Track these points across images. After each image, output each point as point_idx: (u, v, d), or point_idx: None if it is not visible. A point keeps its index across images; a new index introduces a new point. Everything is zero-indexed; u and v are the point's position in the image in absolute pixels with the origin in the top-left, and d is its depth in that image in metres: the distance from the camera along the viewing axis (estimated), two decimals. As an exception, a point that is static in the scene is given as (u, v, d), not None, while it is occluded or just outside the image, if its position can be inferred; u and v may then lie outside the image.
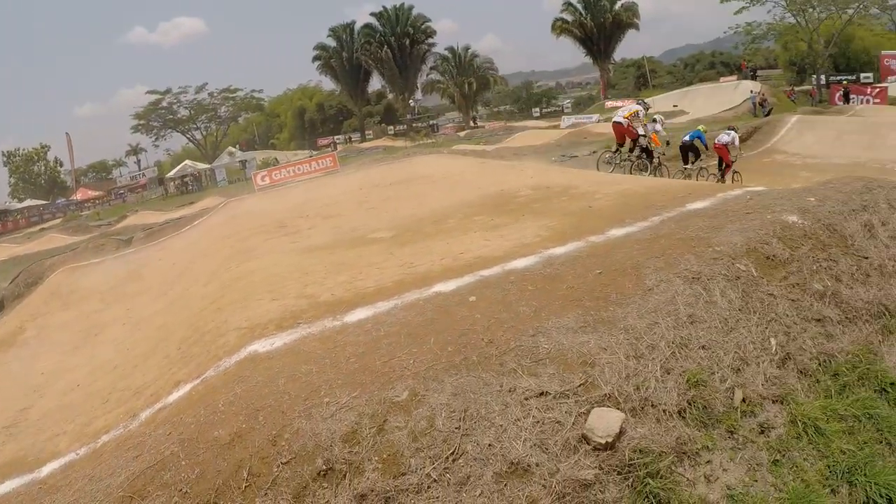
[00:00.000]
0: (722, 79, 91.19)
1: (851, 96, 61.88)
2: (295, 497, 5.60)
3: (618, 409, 6.14)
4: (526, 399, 6.11)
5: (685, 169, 29.62)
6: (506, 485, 5.56)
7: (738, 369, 7.10)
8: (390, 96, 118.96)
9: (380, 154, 62.75)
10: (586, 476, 5.65)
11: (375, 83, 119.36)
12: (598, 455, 5.81)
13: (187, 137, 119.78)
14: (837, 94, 63.88)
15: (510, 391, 6.19)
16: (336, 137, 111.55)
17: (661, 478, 5.82)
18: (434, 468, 5.60)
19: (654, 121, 28.20)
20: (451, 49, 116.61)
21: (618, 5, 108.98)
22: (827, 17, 72.39)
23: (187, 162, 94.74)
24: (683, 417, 6.42)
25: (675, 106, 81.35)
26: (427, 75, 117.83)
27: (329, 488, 5.61)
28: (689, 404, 6.52)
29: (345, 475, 5.65)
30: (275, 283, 11.38)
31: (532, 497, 5.54)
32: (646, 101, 30.56)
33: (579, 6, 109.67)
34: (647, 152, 26.47)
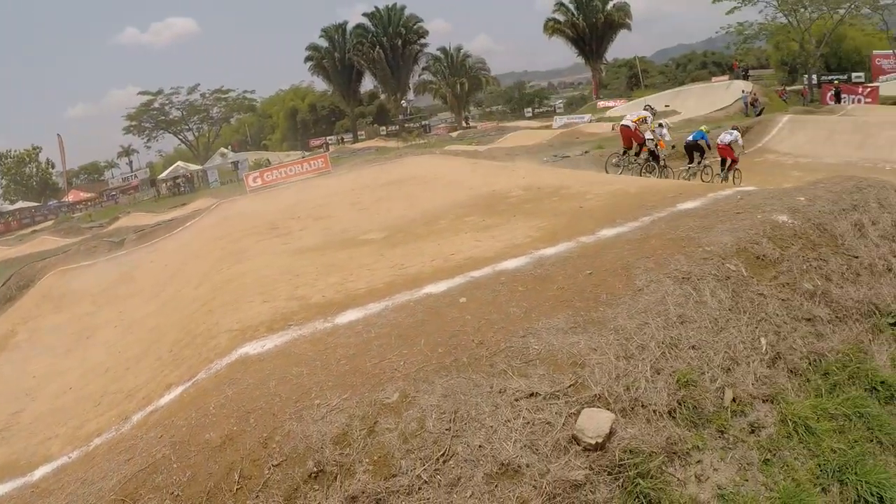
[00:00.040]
0: (714, 79, 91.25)
1: (843, 96, 62.02)
2: (286, 499, 5.60)
3: (608, 409, 6.16)
4: (516, 400, 6.13)
5: (689, 167, 29.90)
6: (496, 486, 5.57)
7: (729, 369, 7.12)
8: (382, 97, 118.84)
9: (372, 155, 62.72)
10: (576, 477, 5.66)
11: (368, 84, 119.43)
12: (588, 455, 5.82)
13: (179, 138, 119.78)
14: (829, 94, 64.03)
15: (500, 392, 6.20)
16: (328, 138, 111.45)
17: (651, 478, 5.84)
18: (425, 469, 5.61)
19: (661, 125, 28.67)
20: (443, 49, 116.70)
21: (610, 5, 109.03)
22: (818, 17, 72.50)
23: (179, 163, 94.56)
24: (674, 417, 6.43)
25: (666, 106, 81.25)
26: (419, 76, 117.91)
27: (320, 490, 5.61)
28: (680, 404, 6.54)
29: (336, 477, 5.65)
30: (266, 285, 11.38)
31: (522, 498, 5.55)
32: (653, 106, 30.85)
33: (571, 6, 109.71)
34: (654, 155, 26.84)
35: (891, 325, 8.52)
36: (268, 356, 7.68)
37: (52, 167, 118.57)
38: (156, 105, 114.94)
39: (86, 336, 15.61)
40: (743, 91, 69.11)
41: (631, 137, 27.20)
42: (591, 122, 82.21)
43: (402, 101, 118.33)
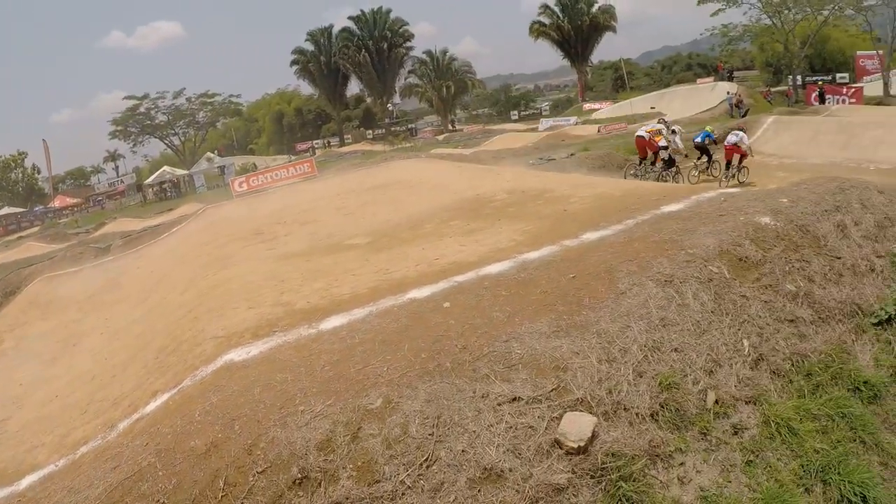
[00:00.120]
0: (699, 80, 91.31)
1: (827, 97, 62.11)
2: (271, 506, 5.63)
3: (590, 413, 6.19)
4: (499, 405, 6.16)
5: (696, 165, 30.62)
6: (479, 490, 5.60)
7: (711, 371, 7.17)
8: (369, 100, 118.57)
9: (358, 158, 62.49)
10: (559, 480, 5.70)
11: (354, 87, 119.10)
12: (570, 459, 5.85)
13: (165, 143, 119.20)
14: (813, 95, 64.12)
15: (483, 397, 6.23)
16: (315, 142, 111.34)
17: (634, 481, 5.88)
18: (408, 475, 5.63)
19: (674, 132, 29.16)
20: (428, 53, 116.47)
21: (595, 8, 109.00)
22: (802, 18, 72.49)
23: (165, 168, 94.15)
24: (656, 420, 6.47)
25: (652, 108, 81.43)
26: (405, 79, 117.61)
27: (304, 496, 5.63)
28: (662, 407, 6.58)
29: (320, 483, 5.67)
30: (251, 291, 11.39)
31: (506, 502, 5.58)
32: (665, 119, 31.46)
33: (556, 9, 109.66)
34: (671, 161, 27.57)
35: (874, 325, 8.59)
36: (252, 363, 7.69)
37: (38, 172, 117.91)
38: (142, 110, 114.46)
39: (72, 343, 15.56)
40: (728, 92, 69.18)
41: (646, 147, 27.89)
42: (577, 124, 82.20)
43: (389, 105, 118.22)
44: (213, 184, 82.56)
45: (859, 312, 8.70)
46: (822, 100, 61.55)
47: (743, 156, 28.60)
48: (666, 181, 26.30)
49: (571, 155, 40.05)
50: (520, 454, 5.81)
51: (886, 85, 66.70)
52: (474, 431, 5.92)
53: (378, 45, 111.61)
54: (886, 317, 8.62)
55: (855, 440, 6.95)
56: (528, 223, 12.65)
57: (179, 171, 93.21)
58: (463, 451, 5.78)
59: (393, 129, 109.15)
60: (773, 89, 77.46)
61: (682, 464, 6.25)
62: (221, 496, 5.72)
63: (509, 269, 9.46)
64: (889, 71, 68.62)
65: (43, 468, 8.14)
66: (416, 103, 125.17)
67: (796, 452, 6.66)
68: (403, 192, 23.29)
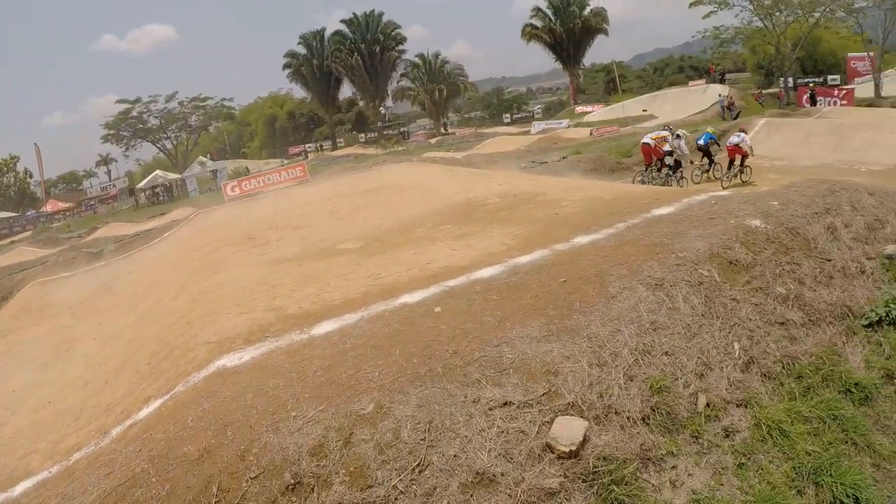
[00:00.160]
0: (690, 83, 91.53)
1: (818, 98, 62.25)
2: (263, 511, 5.64)
3: (581, 417, 6.20)
4: (490, 409, 6.17)
5: (700, 166, 31.24)
6: (472, 495, 5.61)
7: (702, 374, 7.18)
8: (361, 104, 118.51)
9: (350, 162, 62.39)
10: (551, 484, 5.71)
11: (346, 90, 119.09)
12: (562, 463, 5.86)
13: (157, 147, 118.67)
14: (804, 97, 64.27)
15: (474, 402, 6.24)
16: (307, 145, 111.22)
17: (625, 484, 5.89)
18: (400, 480, 5.64)
19: (679, 136, 29.49)
20: (421, 56, 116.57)
21: (587, 11, 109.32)
22: (794, 20, 72.65)
23: (158, 172, 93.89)
24: (647, 424, 6.48)
25: (644, 110, 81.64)
26: (397, 82, 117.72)
27: (297, 502, 5.63)
28: (653, 411, 6.59)
29: (313, 489, 5.68)
30: (243, 297, 11.40)
31: (498, 506, 5.60)
32: (671, 127, 31.96)
33: (549, 12, 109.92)
34: (677, 164, 28.28)
35: (864, 327, 8.61)
36: (245, 368, 7.70)
37: (30, 177, 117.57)
38: (134, 113, 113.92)
39: (65, 349, 15.55)
40: (719, 95, 69.34)
41: (651, 154, 28.17)
42: (569, 127, 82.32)
43: (381, 108, 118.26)
44: (206, 188, 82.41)
45: (850, 314, 8.72)
46: (813, 102, 61.71)
47: (745, 156, 29.18)
48: (670, 185, 26.52)
49: (563, 158, 40.17)
50: (511, 459, 5.82)
51: (877, 86, 66.97)
52: (466, 436, 5.93)
53: (370, 48, 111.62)
54: (877, 318, 8.64)
55: (847, 442, 6.95)
56: (519, 227, 12.68)
57: (172, 175, 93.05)
58: (455, 455, 5.79)
59: (385, 132, 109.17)
60: (764, 91, 77.64)
61: (673, 467, 6.26)
62: (215, 502, 5.72)
63: (500, 273, 9.48)
64: (880, 72, 68.92)
65: (37, 475, 8.14)
66: (409, 107, 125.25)
67: (788, 455, 6.66)
68: (395, 196, 23.31)
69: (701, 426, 6.67)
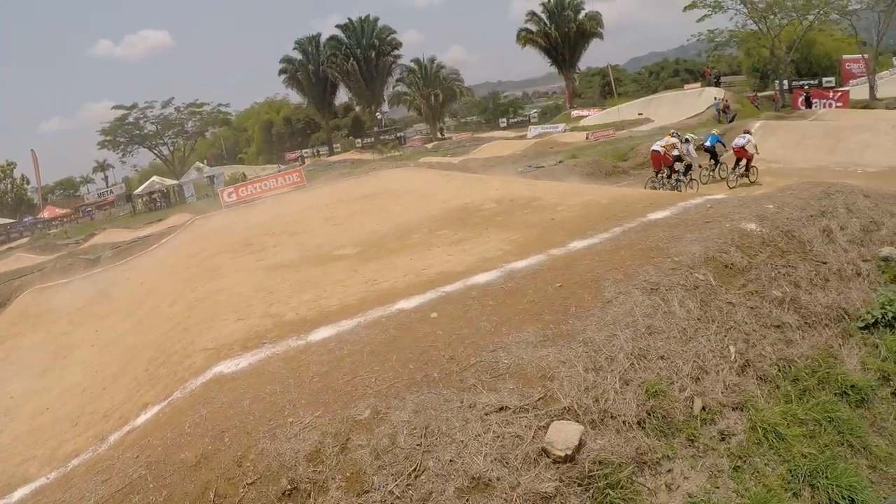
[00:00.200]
0: (686, 86, 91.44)
1: (813, 101, 62.28)
2: (261, 518, 5.65)
3: (577, 421, 6.22)
4: (486, 414, 6.19)
5: (708, 167, 31.58)
6: (467, 500, 5.62)
7: (698, 378, 7.21)
8: (357, 109, 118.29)
9: (347, 168, 62.36)
10: (547, 489, 5.72)
11: (342, 96, 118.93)
12: (558, 468, 5.88)
13: (154, 153, 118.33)
14: (800, 99, 64.32)
15: (470, 407, 6.26)
16: (304, 151, 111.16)
17: (621, 488, 5.91)
18: (397, 485, 5.66)
19: (687, 141, 29.91)
20: (416, 61, 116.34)
21: (582, 15, 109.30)
22: (788, 23, 72.65)
23: (155, 178, 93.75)
24: (643, 428, 6.51)
25: (640, 114, 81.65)
26: (393, 87, 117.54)
27: (294, 507, 5.66)
28: (649, 414, 6.62)
29: (309, 494, 5.69)
30: (240, 303, 11.40)
31: (494, 511, 5.62)
32: (678, 132, 32.20)
33: (544, 16, 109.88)
34: (686, 169, 28.55)
35: (860, 329, 8.64)
36: (242, 375, 7.71)
37: (27, 183, 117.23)
38: (130, 119, 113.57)
39: (63, 355, 15.54)
40: (715, 98, 69.41)
41: (660, 161, 28.31)
42: (565, 131, 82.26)
43: (377, 113, 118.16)
44: (203, 193, 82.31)
45: (846, 317, 8.76)
46: (808, 104, 61.74)
47: (750, 158, 29.58)
48: (680, 190, 26.72)
49: (560, 162, 40.22)
50: (507, 463, 5.84)
51: (872, 88, 67.00)
52: (462, 441, 5.95)
53: (366, 53, 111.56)
54: (873, 320, 8.68)
55: (843, 444, 6.98)
56: (515, 232, 12.71)
57: (169, 181, 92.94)
58: (451, 460, 5.81)
59: (382, 137, 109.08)
60: (759, 94, 77.89)
61: (669, 470, 6.28)
62: (212, 508, 5.74)
63: (496, 278, 9.51)
64: (875, 74, 68.96)
65: (35, 481, 8.14)
66: (405, 111, 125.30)
67: (784, 457, 6.68)
68: (392, 201, 23.31)
69: (697, 429, 6.70)
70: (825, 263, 9.48)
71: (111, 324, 16.86)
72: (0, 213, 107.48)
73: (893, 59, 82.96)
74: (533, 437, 6.05)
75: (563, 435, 6.00)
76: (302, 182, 44.07)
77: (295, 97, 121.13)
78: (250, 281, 13.37)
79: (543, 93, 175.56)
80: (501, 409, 6.25)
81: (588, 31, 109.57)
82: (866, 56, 70.77)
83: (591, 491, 5.82)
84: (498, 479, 5.72)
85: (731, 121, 55.34)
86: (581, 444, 6.01)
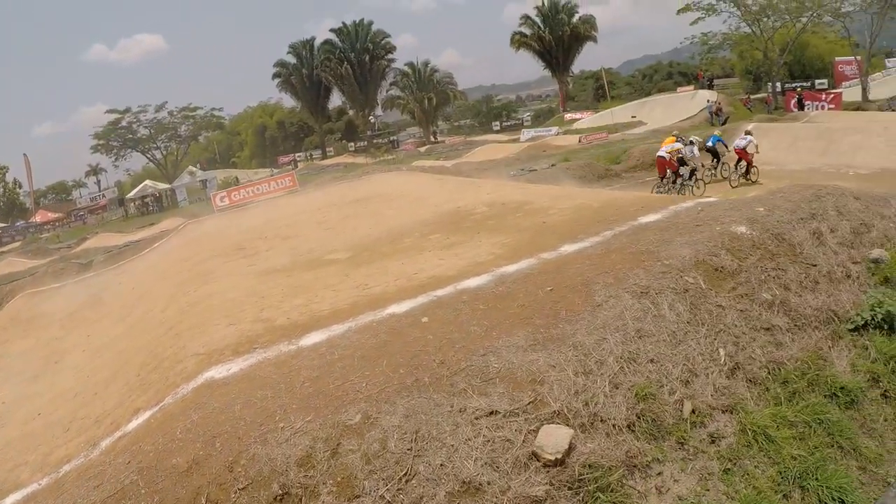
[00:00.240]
0: (679, 89, 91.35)
1: (806, 103, 62.41)
2: (252, 522, 5.66)
3: (567, 425, 6.24)
4: (476, 418, 6.21)
5: (712, 166, 32.08)
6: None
7: (687, 381, 7.23)
8: (351, 112, 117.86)
9: (340, 171, 62.26)
10: (537, 492, 5.74)
11: (336, 99, 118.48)
12: (548, 471, 5.90)
13: (147, 157, 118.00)
14: (792, 101, 64.45)
15: (461, 411, 6.27)
16: (297, 155, 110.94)
17: (611, 491, 5.93)
18: (388, 489, 5.67)
19: (692, 143, 30.31)
20: (410, 64, 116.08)
21: (576, 18, 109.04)
22: (781, 25, 72.73)
23: (147, 182, 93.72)
24: (633, 431, 6.53)
25: (633, 117, 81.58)
26: (387, 91, 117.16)
27: (285, 513, 5.67)
28: (639, 418, 6.64)
29: (300, 499, 5.71)
30: (232, 308, 11.42)
31: (484, 515, 5.63)
32: (683, 136, 32.70)
33: (537, 20, 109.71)
34: (691, 173, 28.66)
35: (850, 331, 8.68)
36: (233, 380, 7.72)
37: (20, 187, 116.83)
38: (123, 123, 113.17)
39: (54, 360, 15.55)
40: (708, 100, 69.34)
41: (666, 166, 28.50)
42: (558, 134, 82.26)
43: (371, 117, 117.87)
44: (196, 197, 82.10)
45: (835, 319, 8.80)
46: (801, 106, 61.87)
47: (749, 162, 30.21)
48: (685, 193, 26.94)
49: (553, 166, 40.21)
50: (498, 467, 5.85)
51: (865, 90, 67.12)
52: (452, 445, 5.96)
53: (360, 57, 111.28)
54: (863, 322, 8.73)
55: (833, 446, 7.02)
56: (507, 236, 12.74)
57: (161, 185, 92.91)
58: (441, 465, 5.82)
59: (375, 141, 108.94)
60: (753, 96, 77.82)
61: (659, 473, 6.31)
62: (203, 513, 5.75)
63: (487, 282, 9.54)
64: (867, 76, 69.12)
65: (26, 487, 8.16)
66: (399, 115, 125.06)
67: (774, 459, 6.71)
68: (384, 205, 23.36)
69: (686, 432, 6.72)
70: (815, 266, 9.51)
71: (103, 329, 16.86)
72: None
73: (886, 60, 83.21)
74: (523, 441, 6.06)
75: (553, 439, 6.02)
76: (294, 186, 44.11)
77: (288, 101, 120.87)
78: (242, 286, 13.39)
79: (537, 96, 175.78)
80: (492, 413, 6.27)
81: (582, 34, 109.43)
82: (859, 58, 70.92)
83: (582, 494, 5.84)
84: (488, 484, 5.73)
85: (723, 123, 55.31)
86: (571, 448, 6.03)
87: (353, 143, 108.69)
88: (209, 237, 26.55)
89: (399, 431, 6.07)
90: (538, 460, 5.95)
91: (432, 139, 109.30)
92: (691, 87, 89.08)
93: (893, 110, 55.91)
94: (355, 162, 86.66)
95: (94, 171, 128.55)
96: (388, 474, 5.77)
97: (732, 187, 29.05)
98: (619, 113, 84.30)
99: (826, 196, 11.17)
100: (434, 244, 13.53)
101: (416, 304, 9.12)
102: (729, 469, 6.57)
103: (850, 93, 67.76)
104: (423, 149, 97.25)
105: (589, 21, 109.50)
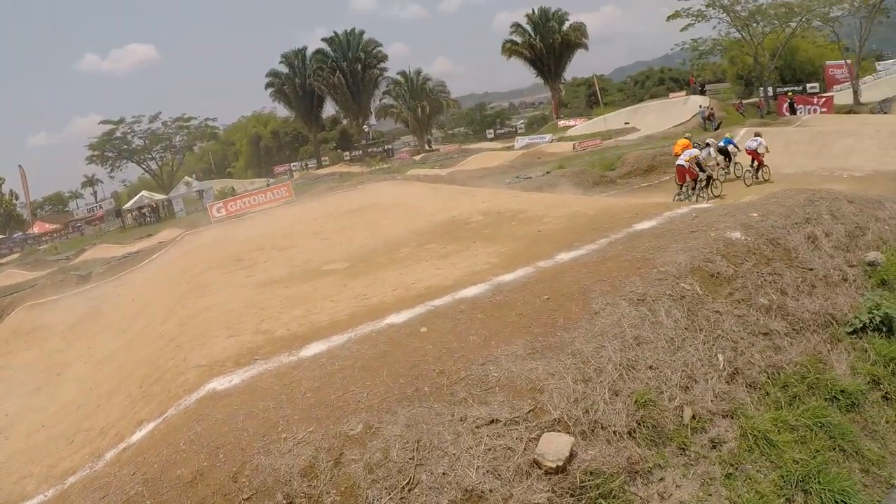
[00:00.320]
0: (671, 95, 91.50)
1: (798, 107, 62.57)
2: (256, 533, 5.69)
3: (567, 433, 6.28)
4: (477, 427, 6.24)
5: (726, 165, 32.74)
6: (461, 512, 5.68)
7: (687, 387, 7.26)
8: (345, 122, 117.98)
9: (335, 181, 62.15)
10: (539, 500, 5.78)
11: (329, 109, 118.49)
12: (549, 479, 5.94)
13: (143, 168, 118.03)
14: (784, 105, 64.61)
15: (462, 420, 6.31)
16: (292, 164, 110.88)
17: (613, 498, 5.96)
18: (391, 499, 5.70)
19: (708, 145, 31.59)
20: (403, 73, 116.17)
21: (566, 26, 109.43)
22: (771, 30, 72.96)
23: (144, 193, 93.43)
24: (634, 437, 6.56)
25: (626, 123, 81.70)
26: (380, 100, 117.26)
27: (289, 523, 5.71)
28: (639, 424, 6.67)
29: (304, 509, 5.74)
30: (231, 319, 11.43)
31: (487, 523, 5.67)
32: (697, 142, 33.13)
33: (528, 28, 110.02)
34: (708, 179, 28.92)
35: (848, 334, 8.72)
36: (235, 391, 7.74)
37: (16, 199, 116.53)
38: (118, 134, 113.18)
39: (56, 373, 15.57)
40: (700, 106, 69.44)
41: (685, 174, 28.62)
42: (552, 141, 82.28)
43: (365, 126, 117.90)
44: (192, 208, 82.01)
45: (833, 322, 8.84)
46: (793, 110, 62.02)
47: (760, 162, 31.05)
48: (704, 198, 27.17)
49: (547, 173, 40.23)
50: (499, 475, 5.89)
51: (856, 93, 67.39)
52: (454, 454, 6.00)
53: (352, 66, 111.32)
54: (861, 325, 8.77)
55: (834, 449, 7.04)
56: (502, 245, 12.78)
57: (158, 196, 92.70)
58: (443, 473, 5.86)
59: (370, 150, 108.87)
60: (744, 101, 77.89)
61: (661, 479, 6.34)
62: (208, 524, 5.79)
63: (485, 291, 9.57)
64: (858, 79, 69.35)
65: (32, 498, 8.20)
66: (392, 124, 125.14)
67: (775, 463, 6.74)
68: (380, 215, 23.36)
69: (687, 438, 6.76)
70: (811, 270, 9.56)
71: (104, 341, 16.88)
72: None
73: (876, 64, 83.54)
74: (524, 449, 6.11)
75: (554, 446, 6.06)
76: (290, 196, 44.05)
77: (282, 111, 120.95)
78: (241, 297, 13.41)
79: (530, 103, 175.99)
80: (492, 421, 6.31)
81: (573, 41, 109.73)
82: (849, 61, 71.20)
83: (583, 501, 5.87)
84: (490, 492, 5.77)
85: (716, 128, 55.33)
86: (572, 455, 6.07)
87: (347, 153, 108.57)
88: (207, 248, 26.52)
89: (401, 441, 6.11)
90: (539, 468, 5.99)
91: (426, 148, 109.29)
92: (683, 92, 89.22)
93: (885, 113, 56.08)
94: (350, 171, 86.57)
95: (91, 181, 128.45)
96: (390, 483, 5.80)
97: (747, 185, 29.84)
98: (612, 119, 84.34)
99: (820, 200, 11.22)
100: (430, 254, 13.58)
101: (414, 314, 9.14)
102: (731, 474, 6.60)
103: (842, 96, 68.13)
104: (417, 157, 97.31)
105: (579, 28, 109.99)
